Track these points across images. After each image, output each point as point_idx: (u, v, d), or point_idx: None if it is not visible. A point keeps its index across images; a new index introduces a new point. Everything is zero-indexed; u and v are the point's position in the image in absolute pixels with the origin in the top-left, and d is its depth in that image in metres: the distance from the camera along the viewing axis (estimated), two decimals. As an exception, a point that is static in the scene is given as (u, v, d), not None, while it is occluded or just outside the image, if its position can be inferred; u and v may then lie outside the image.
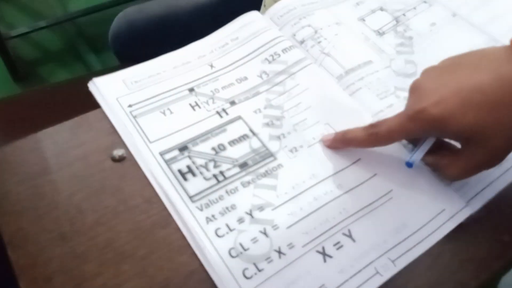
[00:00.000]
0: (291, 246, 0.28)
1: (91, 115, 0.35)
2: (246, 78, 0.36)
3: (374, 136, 0.30)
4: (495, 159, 0.28)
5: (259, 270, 0.27)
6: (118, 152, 0.32)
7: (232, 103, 0.35)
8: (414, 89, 0.30)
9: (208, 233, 0.28)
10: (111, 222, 0.29)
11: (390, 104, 0.35)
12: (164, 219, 0.29)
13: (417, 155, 0.30)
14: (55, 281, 0.26)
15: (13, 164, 0.32)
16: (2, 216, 0.29)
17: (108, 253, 0.27)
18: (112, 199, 0.30)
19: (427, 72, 0.30)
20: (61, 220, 0.29)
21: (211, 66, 0.37)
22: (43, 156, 0.32)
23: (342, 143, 0.32)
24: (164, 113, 0.34)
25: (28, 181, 0.30)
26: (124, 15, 0.63)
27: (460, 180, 0.30)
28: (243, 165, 0.31)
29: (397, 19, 0.41)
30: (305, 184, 0.30)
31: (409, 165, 0.30)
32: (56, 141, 0.33)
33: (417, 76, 0.37)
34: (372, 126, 0.30)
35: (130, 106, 0.34)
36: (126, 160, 0.32)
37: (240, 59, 0.38)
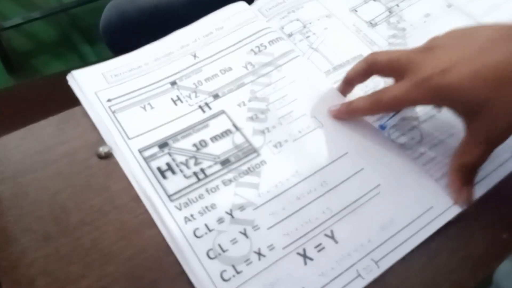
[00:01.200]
0: (271, 247, 0.27)
1: (78, 110, 0.33)
2: (230, 69, 0.35)
3: (378, 104, 0.30)
4: (504, 135, 0.27)
5: (238, 272, 0.25)
6: (104, 149, 0.31)
7: (216, 96, 0.34)
8: (430, 48, 0.29)
9: (186, 234, 0.27)
10: (97, 222, 0.28)
11: (380, 98, 0.33)
12: (151, 219, 0.28)
13: (393, 120, 0.30)
14: (38, 283, 0.25)
15: (-4, 162, 0.31)
16: (-19, 216, 0.28)
17: (93, 254, 0.27)
18: (98, 197, 0.29)
19: (450, 35, 0.29)
20: (45, 220, 0.28)
21: (194, 56, 0.36)
22: (27, 153, 0.31)
23: (347, 114, 0.32)
24: (144, 108, 0.33)
25: (12, 180, 0.29)
26: (114, 5, 0.61)
27: (479, 164, 0.29)
28: (225, 162, 0.30)
29: (390, 10, 0.40)
30: (288, 182, 0.29)
31: (382, 127, 0.31)
32: (41, 137, 0.32)
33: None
34: (376, 93, 0.30)
35: (109, 100, 0.33)
36: (113, 157, 0.31)
37: (225, 49, 0.36)
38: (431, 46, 0.29)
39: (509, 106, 0.26)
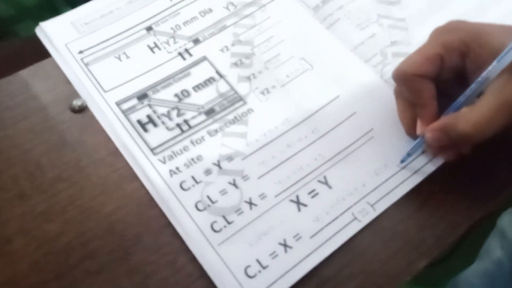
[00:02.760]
0: (263, 196, 0.25)
1: (47, 62, 0.31)
2: (210, 10, 0.32)
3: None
4: None
5: (229, 223, 0.25)
6: (78, 102, 0.29)
7: (196, 41, 0.31)
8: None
9: (172, 187, 0.26)
10: (74, 178, 0.27)
11: (372, 33, 0.31)
12: (131, 172, 0.27)
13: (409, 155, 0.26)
14: (15, 242, 0.25)
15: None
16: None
17: (71, 211, 0.26)
18: (73, 153, 0.27)
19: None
20: (19, 177, 0.27)
21: None
22: (-4, 110, 0.29)
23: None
24: (119, 58, 0.30)
25: (-19, 138, 0.28)
26: None
27: (477, 139, 0.24)
28: (210, 112, 0.28)
29: None
30: (277, 130, 0.28)
31: (401, 161, 0.27)
32: (10, 93, 0.30)
33: (401, 4, 0.33)
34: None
35: (81, 52, 0.31)
36: (88, 110, 0.29)
37: None
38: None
39: None
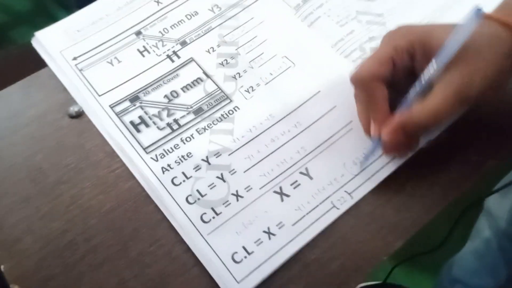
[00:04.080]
0: (248, 188, 0.27)
1: (43, 72, 0.33)
2: (196, 13, 0.34)
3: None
4: (473, 85, 0.24)
5: (217, 214, 0.26)
6: (74, 108, 0.31)
7: (183, 43, 0.33)
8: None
9: (165, 183, 0.28)
10: (74, 179, 0.28)
11: (351, 30, 0.32)
12: (127, 172, 0.29)
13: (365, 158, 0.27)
14: (24, 241, 0.27)
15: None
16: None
17: (74, 210, 0.28)
18: (73, 156, 0.29)
19: None
20: (23, 182, 0.28)
21: (158, 2, 0.34)
22: (-3, 119, 0.31)
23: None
24: (111, 62, 0.32)
25: (-14, 146, 0.30)
26: None
27: (429, 128, 0.26)
28: (198, 111, 0.30)
29: None
30: (262, 126, 0.29)
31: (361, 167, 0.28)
32: (10, 103, 0.32)
33: (379, 0, 0.34)
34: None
35: (74, 59, 0.32)
36: (84, 116, 0.31)
37: None
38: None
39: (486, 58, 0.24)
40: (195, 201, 0.27)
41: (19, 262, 0.26)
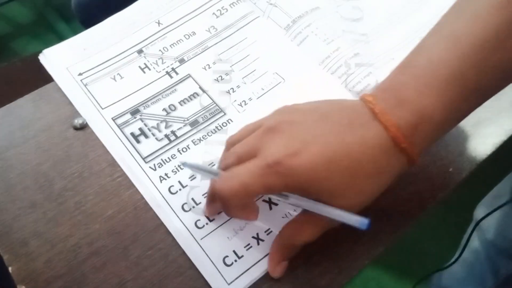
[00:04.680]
0: (240, 196, 0.29)
1: (50, 86, 0.35)
2: (194, 33, 0.36)
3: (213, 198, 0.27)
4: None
5: (210, 221, 0.28)
6: (79, 121, 0.33)
7: (181, 60, 0.35)
8: (279, 129, 0.25)
9: (162, 191, 0.30)
10: (78, 187, 0.30)
11: (337, 47, 0.35)
12: (128, 180, 0.31)
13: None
14: (31, 244, 0.28)
15: (-19, 140, 0.33)
16: (-27, 190, 0.30)
17: (78, 216, 0.29)
18: (77, 165, 0.31)
19: (293, 112, 0.26)
20: (31, 189, 0.30)
21: (159, 23, 0.37)
22: (8, 130, 0.33)
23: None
24: (114, 78, 0.34)
25: (-3, 156, 0.32)
26: None
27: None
28: (194, 123, 0.32)
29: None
30: (253, 137, 0.31)
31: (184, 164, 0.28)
32: (20, 115, 0.34)
33: (364, 20, 0.36)
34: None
35: (80, 74, 0.35)
36: (88, 128, 0.33)
37: (188, 14, 0.37)
38: (277, 124, 0.25)
39: (355, 198, 0.25)
40: (190, 209, 0.29)
41: (26, 263, 0.28)
